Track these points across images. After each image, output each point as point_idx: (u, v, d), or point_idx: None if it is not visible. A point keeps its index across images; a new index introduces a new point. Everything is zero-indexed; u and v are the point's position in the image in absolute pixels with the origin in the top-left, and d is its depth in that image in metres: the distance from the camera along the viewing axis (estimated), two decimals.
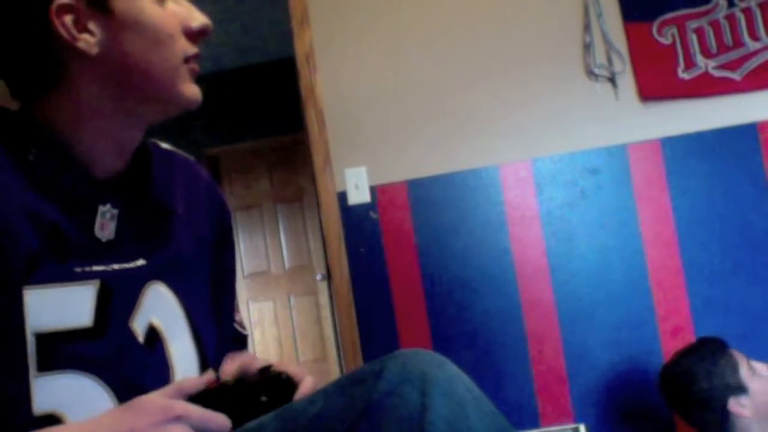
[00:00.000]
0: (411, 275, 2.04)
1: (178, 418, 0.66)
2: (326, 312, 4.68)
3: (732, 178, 1.95)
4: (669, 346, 1.91)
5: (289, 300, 4.82)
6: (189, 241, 0.84)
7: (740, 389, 1.51)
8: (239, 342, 1.00)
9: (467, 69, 2.07)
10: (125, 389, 0.71)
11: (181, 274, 0.81)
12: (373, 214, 2.06)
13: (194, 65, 0.77)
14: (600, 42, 2.02)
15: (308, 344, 4.76)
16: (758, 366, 1.57)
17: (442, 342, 2.00)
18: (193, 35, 0.77)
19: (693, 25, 1.97)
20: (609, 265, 1.98)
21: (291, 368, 0.80)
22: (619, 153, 2.00)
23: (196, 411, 0.68)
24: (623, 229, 1.98)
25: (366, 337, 2.04)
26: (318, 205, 2.23)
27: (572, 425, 1.95)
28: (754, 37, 1.95)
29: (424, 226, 2.05)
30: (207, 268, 0.89)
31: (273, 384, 0.76)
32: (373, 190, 2.07)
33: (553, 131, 2.03)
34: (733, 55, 1.96)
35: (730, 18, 1.96)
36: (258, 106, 4.75)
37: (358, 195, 2.07)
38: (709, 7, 1.97)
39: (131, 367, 0.73)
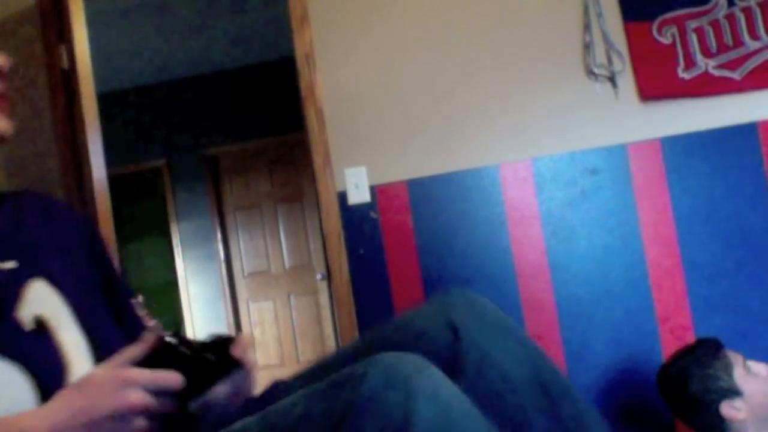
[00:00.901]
0: (411, 275, 2.04)
1: (130, 383, 0.68)
2: (326, 312, 4.68)
3: (732, 177, 1.95)
4: (669, 346, 1.91)
5: (289, 300, 4.82)
6: (55, 249, 0.91)
7: (733, 392, 1.50)
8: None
9: (467, 69, 2.07)
10: (31, 372, 0.76)
11: (60, 276, 0.87)
12: (373, 214, 2.06)
13: None
14: (600, 42, 2.02)
15: (308, 344, 4.76)
16: (757, 366, 1.55)
17: None
18: None
19: (693, 24, 1.97)
20: (609, 265, 1.98)
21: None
22: (619, 153, 2.00)
23: (146, 373, 0.69)
24: (623, 229, 1.98)
25: None
26: (318, 205, 2.23)
27: None
28: (754, 36, 1.95)
29: (424, 226, 2.04)
30: (87, 273, 0.94)
31: (217, 343, 0.75)
32: (373, 189, 2.07)
33: (552, 131, 2.02)
34: (733, 54, 1.96)
35: (730, 17, 1.96)
36: (258, 106, 4.75)
37: (358, 195, 2.07)
38: (708, 6, 1.97)
39: (26, 351, 0.78)
